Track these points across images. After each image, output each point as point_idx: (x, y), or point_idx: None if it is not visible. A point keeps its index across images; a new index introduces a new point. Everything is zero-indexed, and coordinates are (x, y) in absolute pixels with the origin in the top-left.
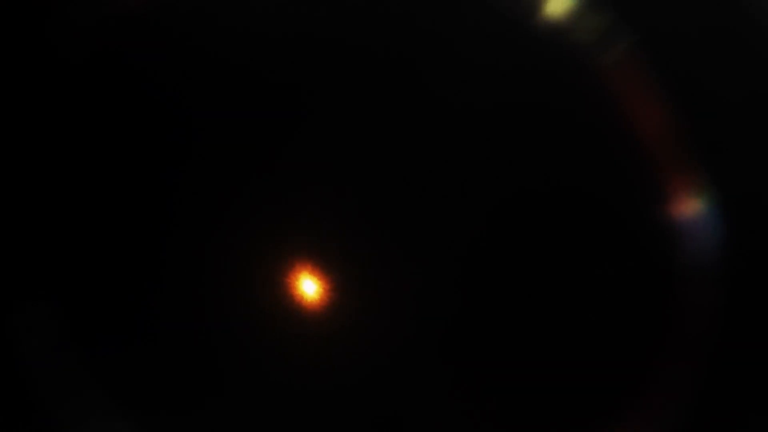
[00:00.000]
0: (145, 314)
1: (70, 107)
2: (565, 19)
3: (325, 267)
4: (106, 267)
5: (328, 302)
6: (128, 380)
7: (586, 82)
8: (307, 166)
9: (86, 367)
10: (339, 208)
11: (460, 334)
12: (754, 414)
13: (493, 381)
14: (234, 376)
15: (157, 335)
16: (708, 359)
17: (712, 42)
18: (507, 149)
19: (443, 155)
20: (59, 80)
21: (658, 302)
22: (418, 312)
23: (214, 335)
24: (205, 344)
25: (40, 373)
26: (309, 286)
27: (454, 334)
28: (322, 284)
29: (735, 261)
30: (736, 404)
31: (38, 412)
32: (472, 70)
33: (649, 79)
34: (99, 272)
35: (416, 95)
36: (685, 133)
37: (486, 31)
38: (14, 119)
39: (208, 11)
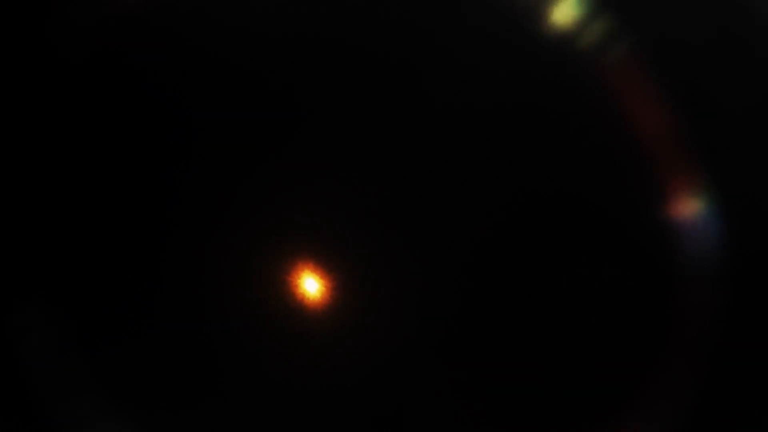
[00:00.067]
0: (146, 314)
1: (70, 107)
2: (566, 21)
3: (326, 266)
4: (107, 267)
5: (329, 301)
6: (128, 380)
7: (586, 84)
8: (308, 165)
9: (86, 367)
10: (340, 207)
11: (461, 334)
12: (754, 414)
13: (494, 381)
14: (235, 376)
15: (157, 335)
16: (708, 359)
17: (711, 43)
18: (507, 150)
19: (444, 155)
20: (59, 80)
21: (658, 302)
22: (418, 311)
23: (215, 335)
24: (205, 344)
25: (40, 373)
26: (310, 285)
27: (454, 333)
28: (323, 283)
29: (735, 261)
30: (736, 404)
31: (38, 412)
32: (473, 71)
33: (650, 80)
34: (99, 272)
35: (417, 95)
36: (685, 134)
37: (486, 32)
38: (14, 119)
39: (207, 11)
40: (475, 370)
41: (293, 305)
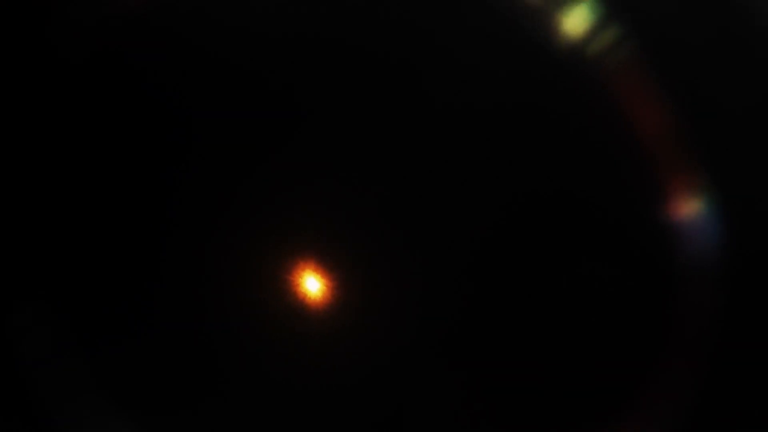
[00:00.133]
0: (146, 314)
1: (71, 107)
2: (565, 22)
3: (326, 266)
4: (107, 267)
5: (329, 301)
6: (129, 380)
7: (586, 84)
8: (308, 165)
9: (86, 367)
10: (341, 207)
11: (462, 334)
12: (754, 414)
13: (494, 381)
14: (235, 375)
15: (158, 335)
16: (708, 359)
17: (712, 43)
18: (507, 150)
19: (445, 155)
20: (59, 80)
21: (658, 302)
22: (419, 311)
23: (216, 334)
24: (206, 343)
25: (40, 373)
26: (310, 285)
27: (455, 333)
28: (325, 283)
29: (734, 261)
30: (736, 404)
31: (38, 412)
32: (473, 71)
33: (650, 80)
34: (99, 272)
35: (417, 96)
36: (685, 134)
37: (485, 33)
38: (15, 119)
39: (207, 11)
40: (476, 370)
41: (294, 305)
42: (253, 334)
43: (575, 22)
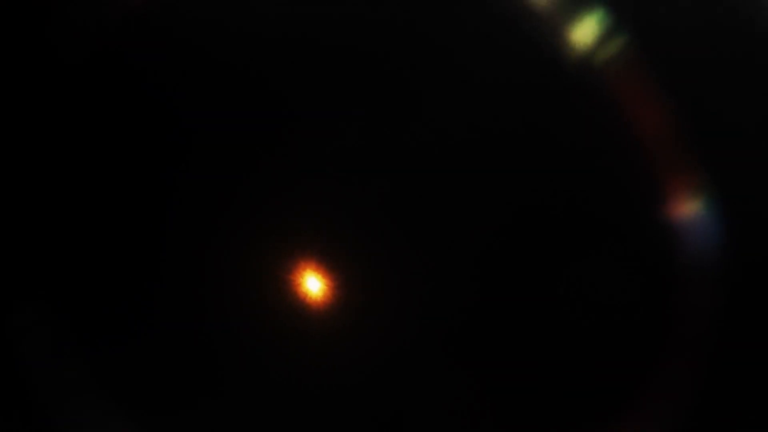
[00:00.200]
0: (147, 314)
1: (70, 107)
2: (565, 23)
3: (329, 264)
4: (107, 267)
5: (331, 300)
6: (129, 380)
7: (586, 85)
8: (310, 165)
9: (86, 367)
10: (342, 206)
11: (463, 334)
12: (754, 414)
13: (495, 380)
14: (237, 375)
15: (158, 335)
16: (708, 360)
17: (712, 43)
18: (507, 150)
19: (447, 154)
20: (59, 81)
21: (658, 303)
22: (421, 311)
23: (217, 334)
24: (207, 343)
25: (40, 373)
26: (313, 284)
27: (456, 333)
28: (326, 282)
29: (734, 262)
30: (736, 404)
31: (38, 412)
32: (474, 73)
33: (650, 80)
34: (99, 272)
35: (419, 96)
36: (685, 135)
37: (485, 34)
38: (14, 120)
39: (207, 12)
40: (476, 370)
41: (294, 304)
42: (253, 333)
43: (575, 24)
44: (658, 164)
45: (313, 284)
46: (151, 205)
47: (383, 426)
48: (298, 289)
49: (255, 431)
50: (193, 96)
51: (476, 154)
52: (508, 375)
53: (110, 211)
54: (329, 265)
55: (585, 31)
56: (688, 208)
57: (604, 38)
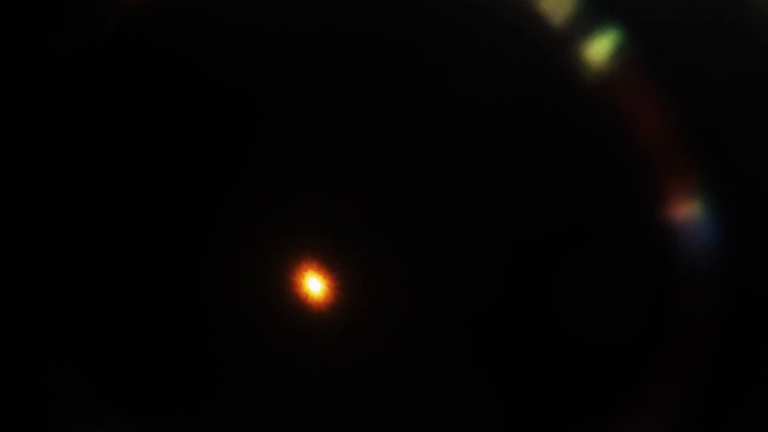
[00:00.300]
0: (147, 315)
1: (67, 111)
2: (566, 23)
3: (331, 265)
4: (107, 268)
5: (334, 301)
6: (129, 381)
7: (587, 85)
8: (312, 163)
9: (86, 367)
10: (345, 206)
11: (463, 334)
12: (753, 414)
13: (495, 380)
14: (238, 376)
15: (159, 336)
16: (707, 361)
17: (712, 44)
18: (507, 151)
19: (449, 154)
20: (55, 84)
21: (658, 304)
22: (424, 312)
23: (218, 335)
24: (208, 344)
25: (40, 374)
26: (315, 284)
27: (456, 334)
28: (328, 282)
29: (734, 262)
30: (735, 404)
31: (38, 415)
32: (475, 71)
33: (649, 81)
34: (100, 273)
35: (420, 97)
36: (685, 135)
37: (485, 32)
38: (12, 123)
39: (207, 13)
40: (477, 370)
41: (297, 306)
42: (256, 333)
43: (576, 24)
44: (657, 165)
45: (315, 285)
46: (150, 206)
47: (385, 429)
48: (299, 290)
49: None
50: (193, 96)
51: (477, 155)
52: (508, 375)
53: (110, 211)
54: (331, 265)
55: (584, 32)
56: (687, 210)
57: (603, 40)
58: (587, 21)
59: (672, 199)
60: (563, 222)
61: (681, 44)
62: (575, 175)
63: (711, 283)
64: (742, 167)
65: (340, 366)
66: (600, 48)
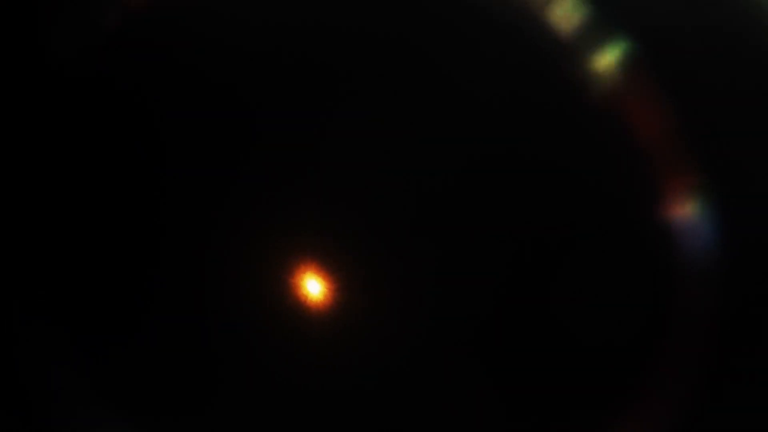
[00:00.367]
0: (147, 315)
1: (67, 111)
2: (566, 23)
3: (331, 266)
4: (107, 269)
5: (334, 302)
6: (129, 381)
7: (587, 85)
8: (312, 163)
9: (86, 367)
10: (346, 205)
11: (464, 335)
12: (753, 414)
13: (495, 380)
14: (238, 377)
15: (159, 337)
16: (706, 361)
17: (712, 44)
18: (507, 151)
19: (448, 153)
20: (57, 89)
21: (657, 304)
22: (424, 312)
23: (218, 335)
24: (208, 344)
25: (40, 374)
26: (315, 286)
27: (456, 334)
28: (328, 284)
29: (734, 262)
30: (735, 404)
31: (38, 413)
32: (473, 70)
33: (649, 82)
34: (100, 274)
35: (419, 97)
36: (684, 135)
37: (484, 30)
38: (13, 127)
39: (207, 13)
40: (476, 370)
41: (297, 306)
42: (257, 335)
43: (576, 24)
44: (657, 166)
45: (314, 286)
46: (150, 206)
47: (385, 429)
48: (299, 290)
49: None
50: (193, 96)
51: (477, 156)
52: (508, 375)
53: (111, 211)
54: (331, 265)
55: (584, 34)
56: (687, 210)
57: (603, 42)
58: (588, 23)
59: (672, 200)
60: (563, 222)
61: (681, 46)
62: (575, 175)
63: (711, 283)
64: (742, 167)
65: (340, 366)
66: (600, 50)
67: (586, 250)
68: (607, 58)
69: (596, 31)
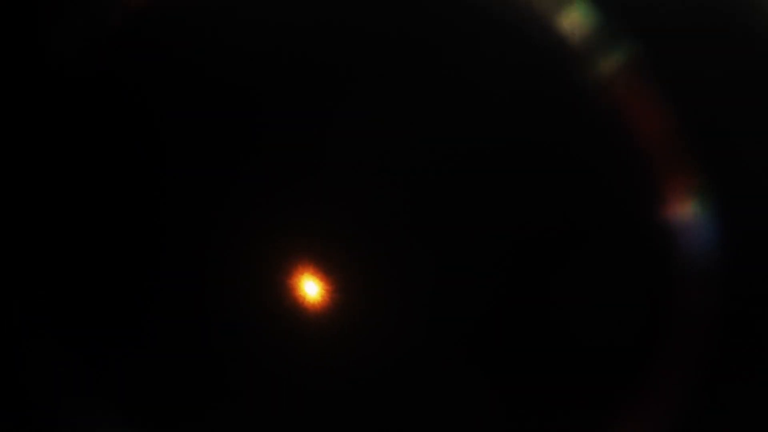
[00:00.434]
0: (147, 317)
1: (68, 111)
2: (567, 24)
3: (330, 267)
4: (108, 269)
5: (332, 303)
6: (129, 382)
7: (585, 86)
8: (311, 164)
9: (86, 368)
10: (345, 206)
11: (462, 335)
12: (752, 414)
13: (493, 381)
14: (237, 377)
15: (159, 338)
16: (707, 360)
17: (711, 45)
18: (507, 152)
19: (448, 154)
20: (57, 89)
21: (657, 304)
22: (422, 313)
23: (217, 336)
24: (207, 345)
25: (40, 374)
26: (313, 287)
27: (455, 334)
28: (327, 285)
29: (734, 262)
30: (734, 404)
31: (39, 415)
32: (473, 68)
33: (648, 83)
34: (100, 274)
35: (419, 96)
36: (684, 135)
37: (480, 36)
38: (14, 126)
39: (207, 13)
40: (474, 370)
41: (295, 307)
42: (256, 335)
43: (577, 24)
44: (657, 165)
45: (313, 287)
46: (150, 206)
47: (384, 429)
48: (298, 291)
49: None
50: (193, 96)
51: (477, 155)
52: (507, 376)
53: (111, 212)
54: (330, 266)
55: (584, 34)
56: (687, 210)
57: (603, 42)
58: (588, 22)
59: (672, 199)
60: (563, 222)
61: (681, 44)
62: (575, 175)
63: (711, 283)
64: (742, 167)
65: (338, 367)
66: (601, 50)
67: (586, 250)
68: (608, 58)
69: (598, 32)
